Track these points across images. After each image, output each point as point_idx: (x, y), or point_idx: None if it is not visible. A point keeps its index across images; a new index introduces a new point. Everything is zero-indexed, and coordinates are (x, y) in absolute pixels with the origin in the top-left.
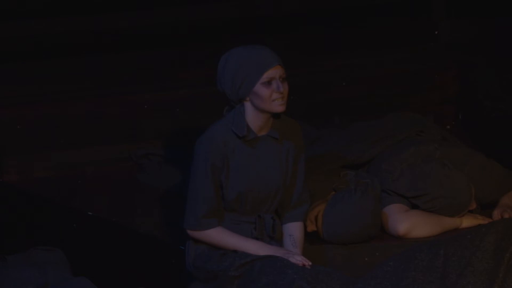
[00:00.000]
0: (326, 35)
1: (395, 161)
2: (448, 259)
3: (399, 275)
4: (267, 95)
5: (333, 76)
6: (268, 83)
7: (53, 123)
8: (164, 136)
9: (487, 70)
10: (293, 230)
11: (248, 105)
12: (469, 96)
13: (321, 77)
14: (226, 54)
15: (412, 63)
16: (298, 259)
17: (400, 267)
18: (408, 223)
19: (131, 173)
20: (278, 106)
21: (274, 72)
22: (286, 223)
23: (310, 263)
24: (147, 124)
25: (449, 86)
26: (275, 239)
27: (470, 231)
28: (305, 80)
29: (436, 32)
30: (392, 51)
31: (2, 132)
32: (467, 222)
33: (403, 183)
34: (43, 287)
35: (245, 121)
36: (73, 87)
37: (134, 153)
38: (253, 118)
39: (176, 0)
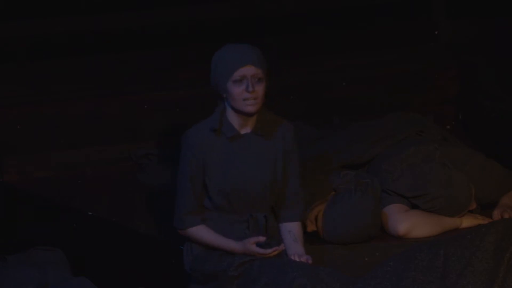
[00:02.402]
0: (326, 35)
1: (395, 161)
2: (448, 259)
3: (399, 275)
4: (236, 93)
5: (333, 76)
6: (239, 81)
7: (53, 123)
8: (164, 136)
9: (487, 70)
10: (292, 227)
11: (227, 102)
12: (469, 96)
13: (321, 77)
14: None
15: (412, 63)
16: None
17: (400, 267)
18: (408, 223)
19: (131, 173)
20: (247, 106)
21: (246, 71)
22: (283, 223)
23: (310, 261)
24: (147, 124)
25: (449, 86)
26: (271, 237)
27: (470, 231)
28: (305, 80)
29: (436, 32)
30: (392, 51)
31: (2, 132)
32: (467, 222)
33: (403, 183)
34: (43, 287)
35: (222, 117)
36: (73, 87)
37: (134, 153)
38: (232, 115)
39: (176, 0)
